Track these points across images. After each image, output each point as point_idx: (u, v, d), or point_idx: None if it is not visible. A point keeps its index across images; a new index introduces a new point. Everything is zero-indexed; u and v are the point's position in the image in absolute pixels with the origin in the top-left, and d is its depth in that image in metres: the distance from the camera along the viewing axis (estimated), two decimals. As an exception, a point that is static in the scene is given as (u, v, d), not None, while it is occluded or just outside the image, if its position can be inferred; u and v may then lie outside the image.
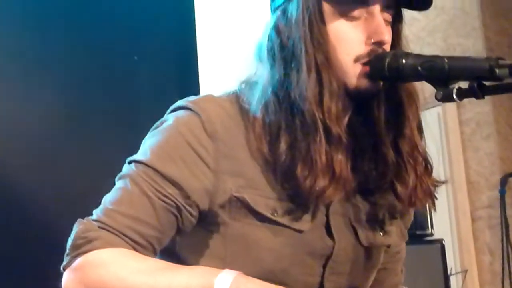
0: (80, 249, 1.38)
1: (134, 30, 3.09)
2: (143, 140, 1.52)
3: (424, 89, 1.52)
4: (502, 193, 3.85)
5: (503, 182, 3.86)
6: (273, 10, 1.53)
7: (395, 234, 1.61)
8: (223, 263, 1.40)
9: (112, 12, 3.03)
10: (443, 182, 1.58)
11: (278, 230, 1.45)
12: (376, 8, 1.45)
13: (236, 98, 1.52)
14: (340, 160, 1.40)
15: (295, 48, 1.44)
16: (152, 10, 3.15)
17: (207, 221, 1.46)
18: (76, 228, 1.41)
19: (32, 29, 2.84)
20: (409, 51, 1.45)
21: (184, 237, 1.49)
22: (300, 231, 1.46)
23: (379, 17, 1.44)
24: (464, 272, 3.96)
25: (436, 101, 1.39)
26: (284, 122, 1.43)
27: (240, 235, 1.45)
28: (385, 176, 1.51)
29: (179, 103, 1.52)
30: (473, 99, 1.37)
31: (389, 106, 1.50)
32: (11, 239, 2.64)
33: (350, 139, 1.44)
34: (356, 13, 1.44)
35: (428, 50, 3.73)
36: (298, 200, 1.44)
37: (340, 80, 1.44)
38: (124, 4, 3.08)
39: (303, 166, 1.39)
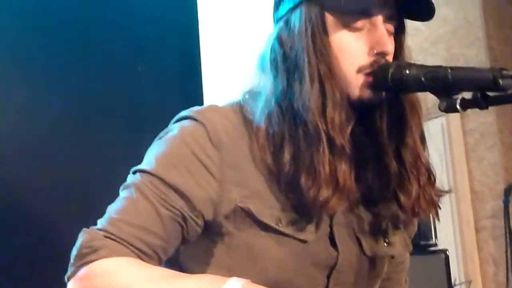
0: (85, 258, 1.37)
1: (137, 40, 3.09)
2: (148, 150, 1.52)
3: (427, 100, 1.52)
4: (506, 203, 3.85)
5: (507, 192, 3.86)
6: (276, 20, 1.53)
7: (399, 244, 1.61)
8: (228, 272, 1.39)
9: (115, 21, 3.02)
10: (446, 192, 1.58)
11: (283, 240, 1.45)
12: (379, 19, 1.45)
13: (240, 108, 1.52)
14: (344, 170, 1.41)
15: (298, 59, 1.44)
16: (155, 19, 3.14)
17: (211, 231, 1.46)
18: (81, 238, 1.41)
19: (34, 36, 2.83)
20: (412, 62, 1.45)
21: (188, 247, 1.49)
22: (304, 242, 1.46)
23: (382, 28, 1.45)
24: (468, 282, 3.95)
25: (439, 111, 1.39)
26: (287, 132, 1.43)
27: (244, 245, 1.45)
28: (388, 186, 1.51)
29: (183, 113, 1.53)
30: (476, 110, 1.37)
31: (392, 116, 1.50)
32: (12, 244, 2.64)
33: (353, 149, 1.44)
34: (359, 24, 1.45)
35: (431, 60, 3.73)
36: (302, 211, 1.44)
37: (343, 90, 1.44)
38: (127, 13, 3.07)
39: (307, 176, 1.39)
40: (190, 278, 1.37)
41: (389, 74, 1.40)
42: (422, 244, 3.59)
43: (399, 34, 1.52)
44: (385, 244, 1.57)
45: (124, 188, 1.46)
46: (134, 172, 1.48)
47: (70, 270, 1.39)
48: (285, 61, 1.47)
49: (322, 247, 1.49)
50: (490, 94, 1.33)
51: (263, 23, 1.65)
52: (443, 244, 3.73)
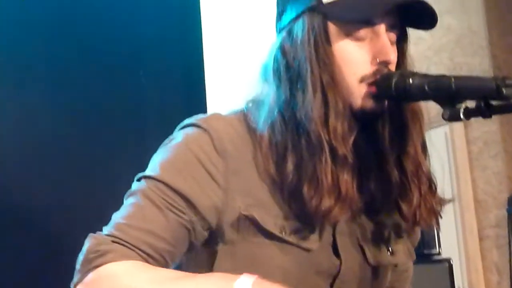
0: (92, 263, 1.36)
1: (139, 45, 3.09)
2: (152, 157, 1.52)
3: (430, 109, 1.52)
4: (510, 212, 3.84)
5: (511, 201, 3.85)
6: (279, 31, 1.54)
7: (402, 253, 1.61)
8: None
9: (117, 26, 3.03)
10: (447, 201, 1.58)
11: (287, 249, 1.45)
12: (382, 28, 1.45)
13: (244, 117, 1.53)
14: (346, 180, 1.41)
15: (301, 68, 1.45)
16: (157, 24, 3.15)
17: (214, 240, 1.46)
18: (87, 243, 1.40)
19: (35, 40, 2.84)
20: (415, 71, 1.45)
21: (191, 256, 1.49)
22: (308, 250, 1.46)
23: (385, 37, 1.45)
24: (472, 291, 3.94)
25: (442, 120, 1.39)
26: (290, 142, 1.43)
27: (248, 253, 1.45)
28: (390, 195, 1.51)
29: (188, 120, 1.53)
30: (480, 118, 1.36)
31: (393, 125, 1.50)
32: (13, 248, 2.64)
33: (355, 158, 1.44)
34: (361, 33, 1.45)
35: (434, 69, 3.73)
36: (305, 220, 1.44)
37: (345, 100, 1.44)
38: (130, 18, 3.08)
39: (309, 186, 1.39)
40: (199, 278, 1.36)
41: (392, 83, 1.40)
42: (425, 253, 3.58)
43: (401, 43, 1.53)
44: (389, 253, 1.57)
45: (129, 196, 1.46)
46: (139, 179, 1.48)
47: (76, 277, 1.38)
48: (288, 70, 1.47)
49: (325, 256, 1.49)
50: (494, 103, 1.33)
51: (266, 29, 1.65)
52: (447, 253, 3.72)
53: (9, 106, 2.74)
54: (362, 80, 1.44)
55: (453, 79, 1.35)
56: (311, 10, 1.47)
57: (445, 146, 3.80)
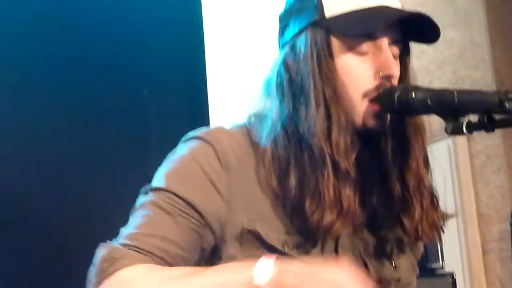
0: (106, 271, 1.35)
1: (143, 64, 3.10)
2: (157, 171, 1.52)
3: (433, 122, 1.52)
4: (513, 226, 3.83)
5: (514, 214, 3.84)
6: (282, 46, 1.54)
7: (405, 267, 1.60)
8: None
9: (121, 44, 3.04)
10: (449, 216, 1.57)
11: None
12: (384, 42, 1.45)
13: (247, 131, 1.53)
14: (348, 194, 1.41)
15: (304, 83, 1.45)
16: (161, 42, 3.16)
17: (217, 254, 1.46)
18: (99, 253, 1.39)
19: (42, 61, 2.85)
20: (418, 84, 1.46)
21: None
22: None
23: (387, 51, 1.45)
24: (476, 305, 3.93)
25: (445, 133, 1.39)
26: (293, 157, 1.44)
27: None
28: (392, 210, 1.51)
29: (192, 133, 1.53)
30: (483, 132, 1.36)
31: (396, 139, 1.50)
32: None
33: (358, 173, 1.44)
34: (364, 47, 1.45)
35: (437, 82, 3.73)
36: (307, 234, 1.44)
37: (348, 115, 1.44)
38: (134, 36, 3.09)
39: (311, 200, 1.39)
40: (215, 270, 1.35)
41: (395, 97, 1.40)
42: (429, 267, 3.57)
43: (404, 57, 1.53)
44: (391, 268, 1.56)
45: (137, 209, 1.46)
46: (146, 192, 1.47)
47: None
48: (291, 85, 1.47)
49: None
50: (496, 116, 1.33)
51: (269, 44, 1.65)
52: (450, 267, 3.71)
53: (14, 126, 2.75)
54: (365, 95, 1.44)
55: (455, 93, 1.35)
56: (314, 24, 1.47)
57: (448, 160, 3.79)
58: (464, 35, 3.85)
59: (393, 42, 1.48)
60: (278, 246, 1.43)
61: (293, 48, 1.49)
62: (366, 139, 1.48)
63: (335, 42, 1.46)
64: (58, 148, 2.81)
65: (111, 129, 2.95)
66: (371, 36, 1.46)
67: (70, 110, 2.86)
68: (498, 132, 1.37)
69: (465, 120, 1.35)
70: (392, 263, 1.57)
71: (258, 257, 1.42)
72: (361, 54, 1.46)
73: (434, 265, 3.64)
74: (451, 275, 3.62)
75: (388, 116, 1.47)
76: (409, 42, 1.54)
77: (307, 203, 1.40)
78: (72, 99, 2.88)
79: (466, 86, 3.71)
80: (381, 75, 1.45)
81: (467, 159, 3.89)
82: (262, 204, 1.45)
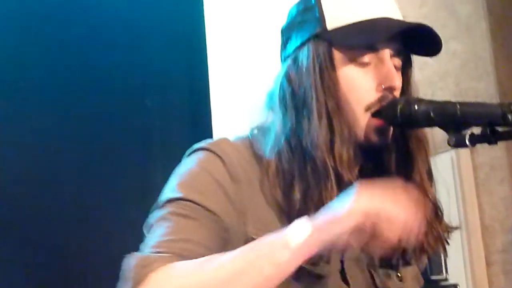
0: (139, 276, 1.30)
1: (145, 75, 3.11)
2: (167, 184, 1.50)
3: (435, 134, 1.52)
4: (517, 237, 3.83)
5: (518, 226, 3.84)
6: (284, 59, 1.55)
7: (410, 278, 1.61)
8: None
9: (122, 54, 3.05)
10: (455, 228, 1.57)
11: (298, 275, 1.43)
12: (386, 53, 1.46)
13: (250, 143, 1.53)
14: None
15: (306, 95, 1.45)
16: (163, 51, 3.17)
17: None
18: (128, 263, 1.35)
19: (47, 75, 2.86)
20: (420, 97, 1.46)
21: None
22: (319, 276, 1.45)
23: (389, 62, 1.46)
24: (480, 317, 3.92)
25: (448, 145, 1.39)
26: (297, 170, 1.43)
27: None
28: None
29: (197, 145, 1.53)
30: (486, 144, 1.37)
31: (399, 152, 1.50)
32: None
33: None
34: (366, 58, 1.46)
35: (440, 94, 3.73)
36: None
37: (351, 128, 1.44)
38: (135, 46, 3.10)
39: (315, 213, 1.39)
40: (248, 246, 1.32)
41: (398, 110, 1.41)
42: (433, 278, 3.57)
43: (406, 69, 1.53)
44: (397, 279, 1.56)
45: (156, 221, 1.43)
46: (162, 206, 1.44)
47: None
48: (294, 98, 1.47)
49: (334, 282, 1.48)
50: (499, 129, 1.33)
51: (272, 59, 1.65)
52: (454, 279, 3.71)
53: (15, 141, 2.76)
54: (367, 108, 1.45)
55: (458, 106, 1.36)
56: (316, 37, 1.48)
57: (451, 172, 3.79)
58: (467, 47, 3.85)
59: (395, 53, 1.48)
60: None
61: (295, 61, 1.50)
62: (369, 152, 1.48)
63: (337, 54, 1.47)
64: (57, 151, 2.82)
65: (112, 139, 2.96)
66: (373, 47, 1.46)
67: (70, 122, 2.86)
68: (501, 143, 1.37)
69: (468, 133, 1.35)
70: (398, 274, 1.57)
71: None
72: (363, 66, 1.46)
73: (438, 277, 3.63)
74: (455, 287, 3.61)
75: (391, 129, 1.47)
76: (411, 55, 1.54)
77: (311, 216, 1.39)
78: (72, 111, 2.88)
79: (469, 98, 3.71)
80: (383, 87, 1.45)
81: (470, 171, 3.88)
82: (268, 216, 1.45)
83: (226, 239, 1.41)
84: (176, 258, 1.33)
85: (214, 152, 1.48)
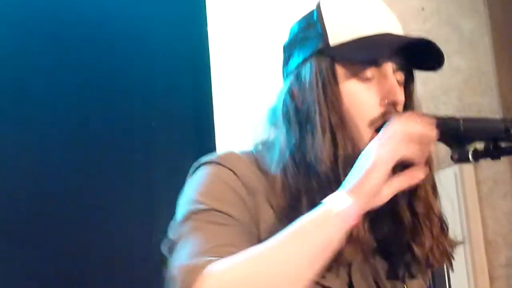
0: (189, 279, 1.27)
1: (150, 96, 3.11)
2: (181, 198, 1.49)
3: (439, 150, 1.52)
4: (521, 252, 3.82)
5: (521, 240, 3.83)
6: (286, 75, 1.55)
7: (417, 290, 1.61)
8: None
9: (127, 74, 3.06)
10: (460, 243, 1.57)
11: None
12: (389, 68, 1.46)
13: (254, 158, 1.53)
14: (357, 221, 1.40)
15: (310, 111, 1.45)
16: (168, 73, 3.17)
17: None
18: (172, 273, 1.33)
19: (48, 76, 2.87)
20: (423, 112, 1.46)
21: None
22: None
23: (392, 77, 1.46)
24: (484, 332, 3.91)
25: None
26: (303, 185, 1.44)
27: None
28: (402, 238, 1.51)
29: (205, 158, 1.52)
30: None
31: (403, 168, 1.50)
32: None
33: None
34: (368, 73, 1.46)
35: (443, 108, 3.73)
36: None
37: (354, 142, 1.44)
38: (142, 66, 3.11)
39: None
40: (293, 225, 1.32)
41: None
42: (436, 293, 3.56)
43: (408, 84, 1.54)
44: (404, 291, 1.57)
45: (184, 236, 1.39)
46: (185, 219, 1.42)
47: None
48: (297, 114, 1.48)
49: (342, 295, 1.48)
50: (502, 144, 1.33)
51: (274, 73, 1.66)
52: (458, 294, 3.70)
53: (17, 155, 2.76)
54: (370, 124, 1.45)
55: (461, 121, 1.36)
56: (319, 53, 1.48)
57: (454, 187, 3.79)
58: (470, 62, 3.85)
59: (397, 68, 1.49)
60: None
61: (298, 77, 1.50)
62: None
63: (339, 70, 1.47)
64: (58, 152, 2.83)
65: (114, 141, 2.97)
66: (375, 63, 1.46)
67: (76, 141, 2.88)
68: (504, 158, 1.37)
69: (471, 148, 1.35)
70: (404, 286, 1.57)
71: None
72: (366, 81, 1.46)
73: (442, 292, 3.63)
74: (459, 302, 3.61)
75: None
76: (413, 70, 1.54)
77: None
78: (78, 130, 2.90)
79: (472, 113, 3.71)
80: (386, 102, 1.45)
81: (473, 186, 3.88)
82: (278, 228, 1.44)
83: (253, 245, 1.39)
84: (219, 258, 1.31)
85: (224, 165, 1.47)
